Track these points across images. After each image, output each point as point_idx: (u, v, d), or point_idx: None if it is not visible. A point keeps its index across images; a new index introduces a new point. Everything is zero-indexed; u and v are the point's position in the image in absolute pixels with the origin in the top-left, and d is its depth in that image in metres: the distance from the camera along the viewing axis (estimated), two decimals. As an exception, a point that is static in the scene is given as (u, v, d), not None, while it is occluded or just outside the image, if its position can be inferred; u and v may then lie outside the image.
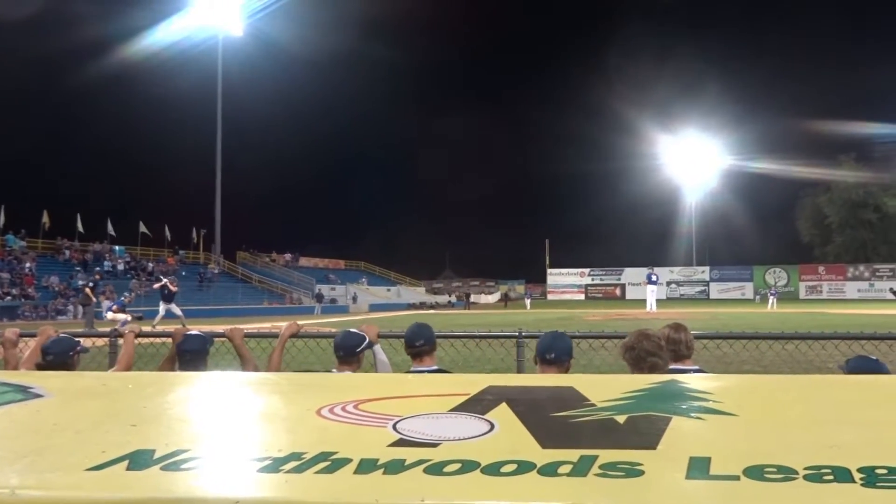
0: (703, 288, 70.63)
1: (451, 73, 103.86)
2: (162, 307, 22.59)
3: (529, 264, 79.02)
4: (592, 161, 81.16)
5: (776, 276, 69.19)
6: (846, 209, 70.69)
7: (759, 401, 1.78)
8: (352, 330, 4.01)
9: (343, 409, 1.59)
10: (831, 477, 1.13)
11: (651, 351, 3.22)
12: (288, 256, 62.65)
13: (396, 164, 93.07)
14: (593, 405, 1.60)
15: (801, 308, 42.07)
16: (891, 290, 28.16)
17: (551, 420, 1.50)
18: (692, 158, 73.99)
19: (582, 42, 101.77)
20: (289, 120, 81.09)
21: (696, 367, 3.66)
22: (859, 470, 1.14)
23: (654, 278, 36.96)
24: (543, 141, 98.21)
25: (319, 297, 47.64)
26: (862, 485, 1.10)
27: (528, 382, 1.95)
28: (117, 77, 53.70)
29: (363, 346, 3.90)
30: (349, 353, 3.79)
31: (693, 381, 1.92)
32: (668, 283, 71.55)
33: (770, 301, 42.54)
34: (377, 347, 4.19)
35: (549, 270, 75.21)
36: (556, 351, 3.49)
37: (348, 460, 1.22)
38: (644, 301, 36.83)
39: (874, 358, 3.05)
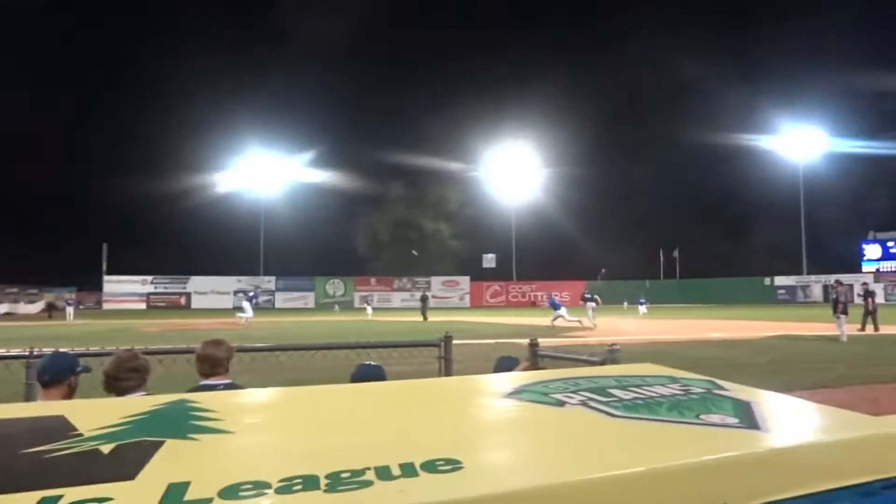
0: (269, 297, 72.43)
1: None
2: None
3: (82, 270, 71.00)
4: (155, 170, 76.83)
5: (335, 286, 74.72)
6: (395, 228, 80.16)
7: (265, 414, 1.82)
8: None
9: None
10: (300, 486, 1.18)
11: (117, 376, 3.25)
12: None
13: None
14: (80, 435, 1.45)
15: (355, 317, 46.09)
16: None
17: (19, 458, 1.31)
18: (261, 169, 75.62)
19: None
20: None
21: (228, 381, 3.70)
22: (327, 476, 1.22)
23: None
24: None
25: None
26: (325, 490, 1.17)
27: (11, 413, 1.69)
28: None
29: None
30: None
31: (204, 398, 1.88)
32: (236, 292, 71.71)
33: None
34: None
35: (105, 277, 68.91)
36: (49, 372, 3.31)
37: None
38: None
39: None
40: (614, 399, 1.88)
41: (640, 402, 1.85)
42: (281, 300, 72.35)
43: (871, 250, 73.28)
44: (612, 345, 3.31)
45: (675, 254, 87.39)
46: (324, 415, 1.82)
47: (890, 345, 18.10)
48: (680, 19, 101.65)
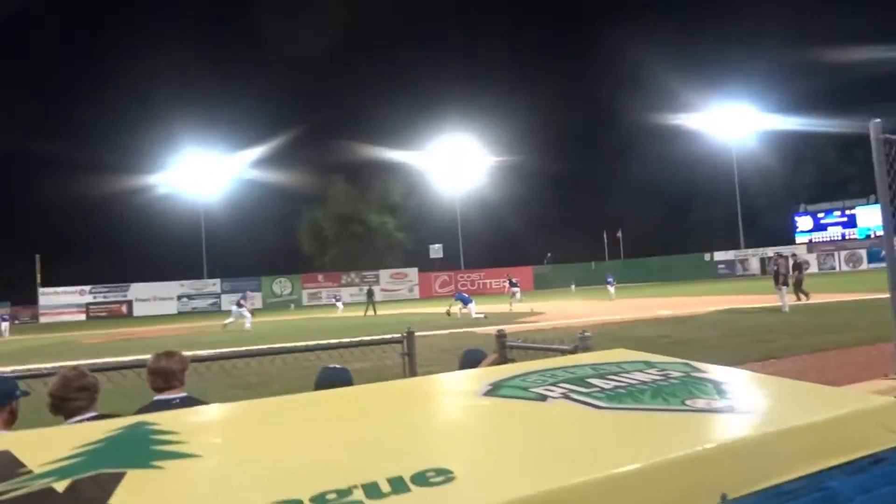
0: (214, 300, 71.00)
1: None
2: None
3: (15, 284, 68.12)
4: (88, 172, 74.16)
5: (282, 285, 73.70)
6: (339, 223, 79.44)
7: (232, 432, 1.70)
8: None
9: None
10: (284, 514, 1.09)
11: (65, 397, 3.09)
12: None
13: None
14: (29, 472, 1.31)
15: (308, 314, 45.63)
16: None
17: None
18: (199, 170, 74.01)
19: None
20: None
21: (184, 395, 3.53)
22: (311, 499, 1.12)
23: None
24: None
25: None
26: None
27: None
28: None
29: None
30: None
31: (164, 419, 1.74)
32: (180, 297, 70.08)
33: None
34: None
35: (41, 290, 66.40)
36: None
37: None
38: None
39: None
40: (595, 389, 1.83)
41: (622, 390, 1.81)
42: (227, 302, 70.78)
43: (803, 222, 76.00)
44: (584, 332, 3.27)
45: (619, 234, 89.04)
46: (296, 428, 1.71)
47: (830, 313, 18.76)
48: (615, 5, 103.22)
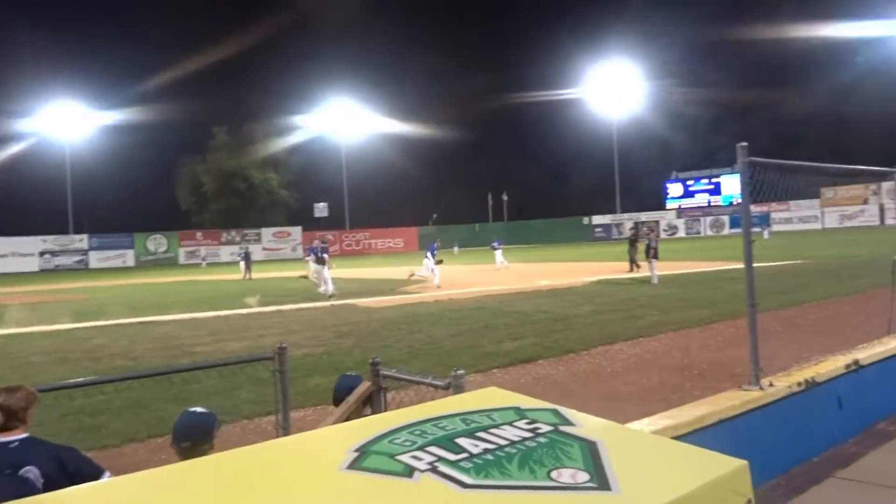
0: (81, 257, 66.93)
1: None
2: None
3: None
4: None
5: (157, 242, 70.37)
6: (220, 179, 76.37)
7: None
8: None
9: None
10: None
11: None
12: None
13: None
14: None
15: (179, 276, 43.77)
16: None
17: None
18: (66, 116, 68.76)
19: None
20: None
21: (24, 436, 3.20)
22: None
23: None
24: None
25: None
26: None
27: None
28: None
29: None
30: None
31: None
32: (42, 254, 65.52)
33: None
34: None
35: None
36: None
37: None
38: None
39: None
40: (464, 455, 1.76)
41: (490, 456, 1.75)
42: (96, 260, 67.03)
43: (674, 189, 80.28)
44: (457, 370, 3.23)
45: (504, 197, 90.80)
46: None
47: (694, 284, 19.98)
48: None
